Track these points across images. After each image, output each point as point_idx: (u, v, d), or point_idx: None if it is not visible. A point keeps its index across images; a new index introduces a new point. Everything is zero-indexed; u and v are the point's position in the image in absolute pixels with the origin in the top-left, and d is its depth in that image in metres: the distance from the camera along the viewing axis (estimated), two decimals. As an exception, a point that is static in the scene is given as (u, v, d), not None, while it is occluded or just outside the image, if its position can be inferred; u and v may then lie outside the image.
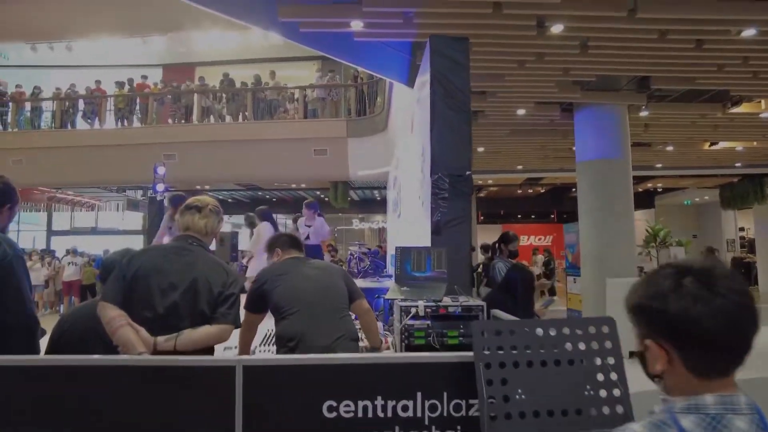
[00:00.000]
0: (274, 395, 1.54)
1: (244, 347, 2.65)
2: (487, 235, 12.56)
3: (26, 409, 1.52)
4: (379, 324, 3.40)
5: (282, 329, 2.47)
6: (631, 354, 0.97)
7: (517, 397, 1.52)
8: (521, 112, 7.60)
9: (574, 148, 7.97)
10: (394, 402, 1.57)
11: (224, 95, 13.36)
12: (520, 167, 12.54)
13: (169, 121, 13.31)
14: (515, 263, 4.20)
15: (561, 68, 5.91)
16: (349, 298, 2.65)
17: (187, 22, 13.18)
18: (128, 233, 19.21)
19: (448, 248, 3.12)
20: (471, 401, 1.59)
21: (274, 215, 6.37)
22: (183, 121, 13.14)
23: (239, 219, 15.14)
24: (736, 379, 0.88)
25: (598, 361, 1.59)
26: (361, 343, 2.91)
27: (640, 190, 16.63)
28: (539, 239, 20.58)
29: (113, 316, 1.94)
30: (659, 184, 17.35)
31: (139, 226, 18.71)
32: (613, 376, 1.57)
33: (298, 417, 1.54)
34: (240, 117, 13.12)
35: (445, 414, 1.59)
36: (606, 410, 1.52)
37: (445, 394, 1.59)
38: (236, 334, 2.68)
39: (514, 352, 1.57)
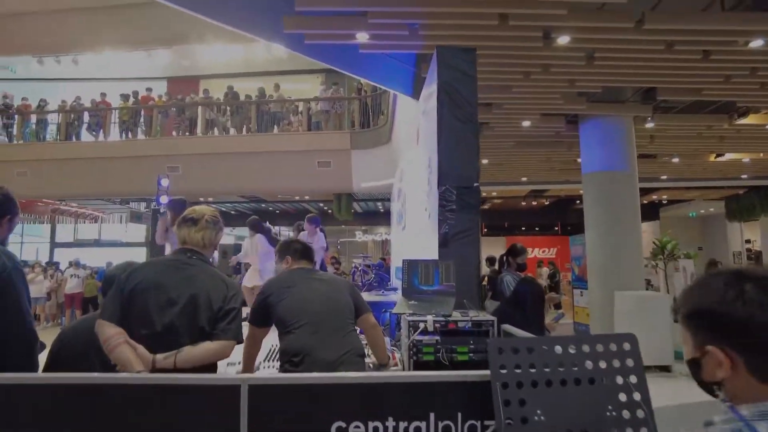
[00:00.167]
0: (281, 416, 1.47)
1: (248, 363, 2.58)
2: (491, 247, 12.48)
3: (20, 429, 1.45)
4: (386, 339, 3.32)
5: (286, 344, 2.39)
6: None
7: (536, 418, 1.45)
8: (526, 123, 7.57)
9: (579, 160, 7.93)
10: (406, 423, 1.49)
11: (228, 108, 13.41)
12: (524, 179, 12.50)
13: (173, 133, 13.35)
14: (524, 276, 4.12)
15: (567, 80, 5.88)
16: (356, 313, 2.57)
17: (191, 36, 13.30)
18: (131, 245, 19.20)
19: (456, 261, 3.05)
20: (487, 422, 1.52)
21: (266, 225, 6.31)
22: (187, 134, 13.18)
23: (243, 231, 15.06)
24: None
25: (620, 380, 1.52)
26: (367, 359, 2.84)
27: (645, 202, 16.55)
28: (543, 252, 20.47)
29: (111, 334, 1.87)
30: (664, 196, 17.28)
31: (143, 238, 18.70)
32: (636, 396, 1.50)
33: (305, 439, 1.46)
34: (244, 129, 13.15)
35: (459, 436, 1.51)
36: (629, 432, 1.45)
37: (459, 415, 1.52)
38: (238, 349, 2.63)
39: (533, 370, 1.50)
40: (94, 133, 13.49)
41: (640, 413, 1.48)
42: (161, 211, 6.28)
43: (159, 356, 1.87)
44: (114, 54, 14.95)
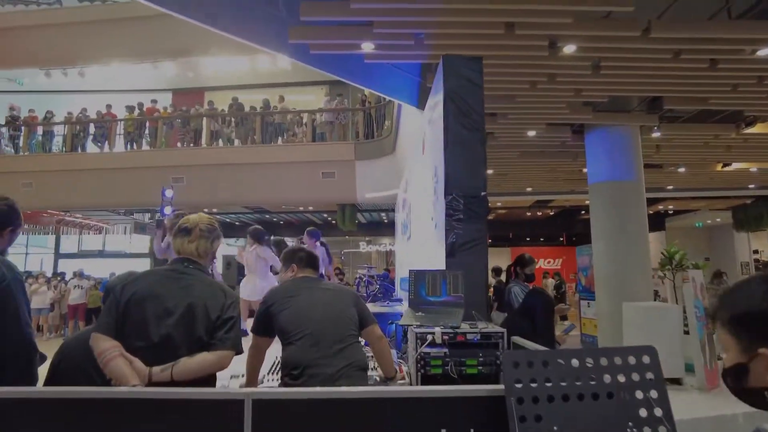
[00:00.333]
0: (287, 432, 1.42)
1: (251, 373, 2.52)
2: (495, 258, 12.39)
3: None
4: (393, 352, 3.26)
5: (287, 356, 2.34)
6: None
7: (553, 435, 1.39)
8: (532, 133, 7.54)
9: (584, 170, 7.88)
10: (416, 440, 1.43)
11: (233, 119, 13.46)
12: (529, 189, 12.44)
13: (178, 144, 13.40)
14: (533, 287, 4.06)
15: (573, 89, 5.85)
16: (361, 324, 2.51)
17: (196, 48, 13.42)
18: (135, 256, 19.21)
19: (463, 271, 2.99)
20: (501, 439, 1.45)
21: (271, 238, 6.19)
22: (192, 145, 13.23)
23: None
24: None
25: (640, 395, 1.45)
26: (374, 372, 2.77)
27: (651, 212, 16.44)
28: (549, 262, 20.34)
29: (105, 347, 1.82)
30: (670, 206, 17.18)
31: (146, 249, 18.71)
32: (658, 411, 1.43)
33: (312, 456, 1.40)
34: (248, 141, 13.19)
35: (472, 454, 1.44)
36: (651, 450, 1.38)
37: (472, 431, 1.46)
38: (236, 360, 2.57)
39: (548, 384, 1.44)
40: (99, 144, 13.57)
41: (662, 430, 1.41)
42: (159, 222, 6.18)
43: (155, 369, 1.81)
44: (120, 66, 15.10)
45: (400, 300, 5.79)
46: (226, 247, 19.04)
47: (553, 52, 4.83)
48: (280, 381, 2.39)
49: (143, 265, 17.31)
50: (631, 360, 1.49)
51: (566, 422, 1.40)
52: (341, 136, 12.69)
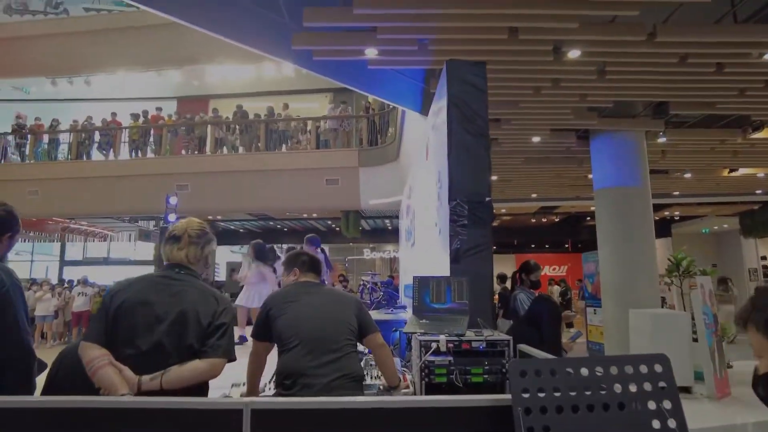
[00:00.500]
0: (286, 443, 1.37)
1: (252, 381, 2.47)
2: (500, 265, 12.30)
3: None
4: (396, 360, 3.20)
5: (281, 364, 2.29)
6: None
7: (562, 447, 1.34)
8: (536, 139, 7.50)
9: (590, 176, 7.82)
10: (420, 452, 1.38)
11: (237, 127, 13.51)
12: (534, 196, 12.38)
13: (183, 152, 13.46)
14: (540, 294, 4.00)
15: (577, 94, 5.81)
16: (362, 332, 2.46)
17: (202, 56, 13.52)
18: (140, 263, 19.23)
19: (468, 278, 2.95)
20: (507, 451, 1.40)
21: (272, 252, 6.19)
22: (196, 152, 13.27)
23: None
24: None
25: (653, 405, 1.40)
26: (378, 381, 2.72)
27: (656, 218, 16.32)
28: (554, 269, 20.22)
29: (94, 356, 1.78)
30: (676, 213, 17.06)
31: (151, 257, 18.73)
32: (672, 423, 1.37)
33: (313, 469, 1.36)
34: (253, 148, 13.23)
35: (477, 466, 1.40)
36: (665, 463, 1.33)
37: (477, 442, 1.41)
38: (239, 368, 2.52)
39: (557, 394, 1.39)
40: (104, 152, 13.64)
41: (675, 442, 1.36)
42: (163, 229, 6.22)
43: (145, 377, 1.77)
44: (126, 74, 15.22)
45: (404, 307, 5.73)
46: (230, 254, 19.06)
47: (558, 57, 4.81)
48: (274, 390, 2.35)
49: (147, 273, 17.34)
50: (643, 369, 1.44)
51: (576, 434, 1.35)
52: (345, 143, 12.70)
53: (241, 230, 19.02)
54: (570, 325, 11.84)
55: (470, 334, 2.55)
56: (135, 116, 13.82)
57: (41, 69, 14.88)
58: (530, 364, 1.42)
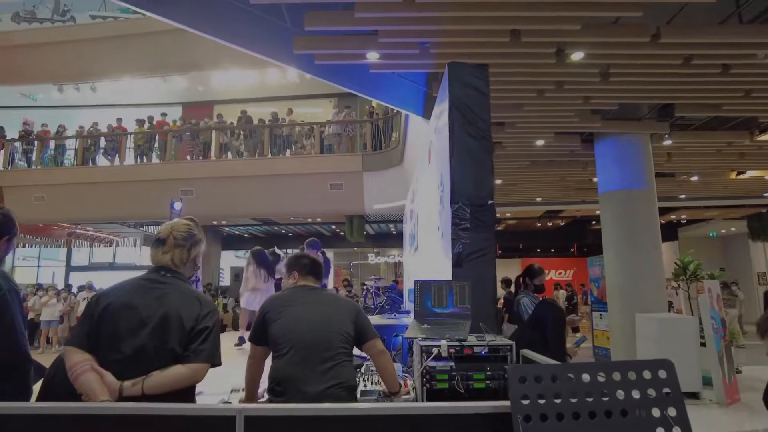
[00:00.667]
0: (281, 451, 1.34)
1: (250, 386, 2.44)
2: (505, 269, 12.25)
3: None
4: (398, 365, 3.17)
5: (273, 369, 2.26)
6: None
7: (563, 456, 1.30)
8: (540, 142, 7.45)
9: (595, 180, 7.76)
10: (417, 460, 1.35)
11: (242, 132, 13.54)
12: (539, 199, 12.31)
13: (188, 157, 13.50)
14: (544, 298, 3.95)
15: (581, 97, 5.77)
16: (361, 339, 2.42)
17: (206, 62, 13.59)
18: (145, 269, 19.27)
19: (471, 282, 2.91)
20: (507, 460, 1.36)
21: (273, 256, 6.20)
22: (201, 158, 13.32)
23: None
24: None
25: (657, 413, 1.36)
26: (378, 387, 2.69)
27: (663, 221, 16.20)
28: (560, 273, 20.09)
29: (76, 361, 1.76)
30: (683, 216, 16.92)
31: (156, 262, 18.77)
32: (677, 431, 1.33)
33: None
34: (257, 153, 13.26)
35: (476, 475, 1.36)
36: (670, 473, 1.29)
37: (476, 451, 1.37)
38: (238, 372, 2.49)
39: (557, 401, 1.35)
40: (109, 157, 13.71)
41: (681, 451, 1.32)
42: None
43: (126, 383, 1.74)
44: (131, 80, 15.32)
45: (407, 312, 5.69)
46: (235, 260, 19.08)
47: (561, 60, 4.77)
48: (267, 397, 2.32)
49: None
50: (647, 375, 1.40)
51: (577, 442, 1.32)
52: (349, 147, 12.70)
53: (245, 235, 19.05)
54: (576, 330, 11.76)
55: (472, 339, 2.52)
56: (140, 122, 13.90)
57: (48, 76, 15.01)
58: (530, 370, 1.38)
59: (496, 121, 6.50)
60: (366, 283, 7.87)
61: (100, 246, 18.81)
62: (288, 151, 13.25)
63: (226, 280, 18.15)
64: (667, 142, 7.37)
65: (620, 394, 1.37)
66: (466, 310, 2.82)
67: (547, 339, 3.39)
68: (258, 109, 14.70)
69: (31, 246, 19.50)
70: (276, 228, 17.86)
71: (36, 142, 14.20)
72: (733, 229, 17.41)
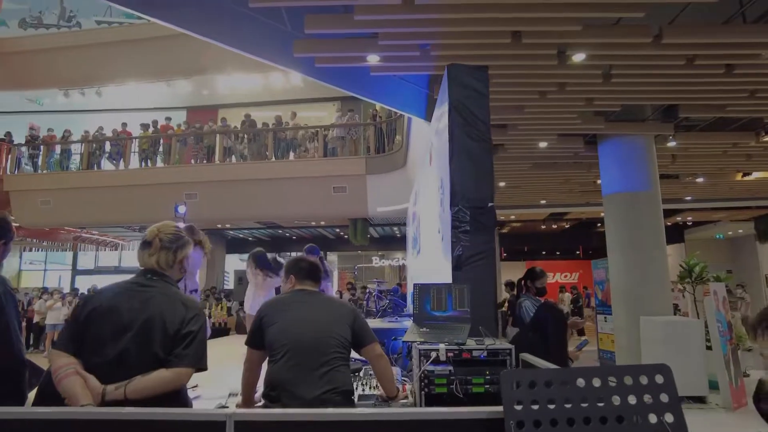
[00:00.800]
0: (270, 457, 1.33)
1: (246, 390, 2.43)
2: (511, 272, 12.17)
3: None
4: (398, 369, 3.14)
5: (268, 375, 2.25)
6: None
7: (557, 462, 1.27)
8: (543, 144, 7.41)
9: (599, 182, 7.71)
10: (409, 466, 1.32)
11: (246, 135, 13.59)
12: (543, 202, 12.25)
13: (192, 161, 13.56)
14: (544, 301, 3.91)
15: (584, 98, 5.73)
16: (359, 342, 2.40)
17: (211, 66, 13.66)
18: (149, 272, 19.36)
19: (470, 285, 2.88)
20: (501, 466, 1.34)
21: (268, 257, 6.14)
22: (205, 161, 13.37)
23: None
24: None
25: (654, 419, 1.33)
26: (376, 391, 2.67)
27: (669, 223, 16.10)
28: (565, 276, 20.00)
29: (60, 364, 1.75)
30: (689, 218, 16.79)
31: (161, 266, 18.85)
32: (674, 437, 1.31)
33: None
34: (261, 157, 13.30)
35: (469, 482, 1.33)
36: (667, 480, 1.26)
37: (469, 457, 1.35)
38: (229, 376, 2.48)
39: (551, 406, 1.33)
40: (114, 162, 13.79)
41: (678, 458, 1.29)
42: None
43: (109, 387, 1.72)
44: (136, 85, 15.42)
45: (410, 315, 5.66)
46: (239, 263, 19.11)
47: (562, 61, 4.74)
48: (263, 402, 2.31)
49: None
50: (643, 380, 1.37)
51: (572, 448, 1.29)
52: (352, 151, 12.72)
53: (249, 238, 19.09)
54: (581, 332, 11.67)
55: (471, 343, 2.49)
56: (145, 126, 13.98)
57: (54, 81, 15.15)
58: (523, 375, 1.36)
59: (499, 124, 6.47)
60: (368, 286, 7.84)
61: (105, 250, 18.91)
62: (292, 154, 13.27)
63: (230, 284, 18.19)
64: (672, 144, 7.30)
65: (616, 399, 1.35)
66: (465, 314, 2.80)
67: (548, 342, 3.35)
68: (262, 112, 14.75)
69: (38, 250, 19.64)
70: (280, 231, 17.89)
71: (42, 147, 14.31)
72: (740, 231, 17.26)
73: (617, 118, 6.64)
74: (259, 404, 2.50)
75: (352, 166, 12.17)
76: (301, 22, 4.30)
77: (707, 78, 5.15)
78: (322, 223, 16.15)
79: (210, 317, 13.17)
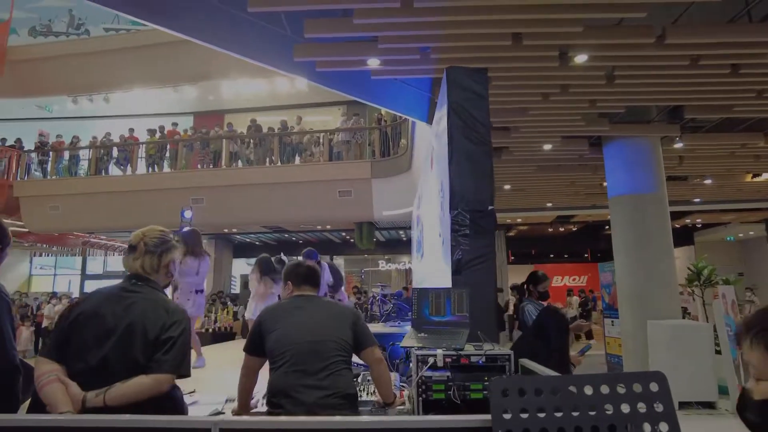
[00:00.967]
0: (255, 467, 1.31)
1: (242, 397, 2.40)
2: (518, 275, 12.09)
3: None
4: (396, 375, 3.11)
5: (270, 381, 2.22)
6: None
7: (548, 473, 1.24)
8: (547, 147, 7.35)
9: (605, 184, 7.63)
10: (397, 476, 1.30)
11: (251, 140, 13.65)
12: (549, 205, 12.17)
13: (198, 166, 13.63)
14: (547, 305, 3.86)
15: (587, 100, 5.68)
16: (359, 345, 2.37)
17: (216, 72, 13.75)
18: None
19: (470, 289, 2.85)
20: (490, 476, 1.31)
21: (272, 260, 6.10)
22: (211, 166, 13.44)
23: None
24: None
25: (648, 428, 1.29)
26: (374, 398, 2.64)
27: (678, 226, 15.91)
28: (573, 279, 19.84)
29: (42, 371, 1.74)
30: (698, 220, 16.59)
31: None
32: (668, 447, 1.27)
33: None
34: (267, 161, 13.35)
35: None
36: (661, 492, 1.22)
37: (458, 466, 1.32)
38: (226, 381, 2.46)
39: (541, 415, 1.29)
40: (121, 167, 13.90)
41: (673, 468, 1.25)
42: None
43: (90, 394, 1.71)
44: (143, 91, 15.57)
45: (413, 319, 5.63)
46: (246, 267, 19.16)
47: (564, 63, 4.70)
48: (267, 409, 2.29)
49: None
50: (637, 388, 1.33)
51: (563, 458, 1.26)
52: (358, 154, 12.72)
53: (256, 243, 19.14)
54: (590, 336, 11.53)
55: (470, 348, 2.45)
56: (152, 132, 14.09)
57: (63, 87, 15.35)
58: (513, 383, 1.32)
59: (502, 126, 6.42)
60: (372, 290, 7.81)
61: (114, 254, 19.03)
62: (297, 158, 13.30)
63: (236, 288, 18.24)
64: (678, 145, 7.21)
65: (609, 408, 1.31)
66: (464, 319, 2.76)
67: (550, 347, 3.30)
68: (268, 117, 14.81)
69: (48, 255, 19.82)
70: (286, 235, 17.91)
71: (51, 153, 14.47)
72: (751, 232, 17.03)
73: (622, 120, 6.57)
74: (255, 410, 2.49)
75: (357, 170, 12.17)
76: (301, 27, 4.30)
77: (713, 78, 5.08)
78: (328, 227, 16.15)
79: (216, 321, 13.20)
